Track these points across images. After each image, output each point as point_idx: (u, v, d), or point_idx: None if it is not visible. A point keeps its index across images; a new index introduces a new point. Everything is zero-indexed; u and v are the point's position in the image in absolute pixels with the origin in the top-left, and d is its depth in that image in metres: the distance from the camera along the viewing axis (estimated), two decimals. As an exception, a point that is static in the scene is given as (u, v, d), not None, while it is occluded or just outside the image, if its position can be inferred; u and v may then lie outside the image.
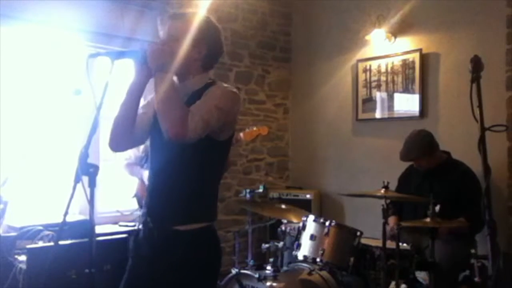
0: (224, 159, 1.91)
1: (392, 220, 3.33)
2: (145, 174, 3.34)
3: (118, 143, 1.87)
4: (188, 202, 1.77)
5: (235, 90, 1.86)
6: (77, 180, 1.49)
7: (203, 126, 1.67)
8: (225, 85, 1.87)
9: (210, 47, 1.83)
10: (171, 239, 1.76)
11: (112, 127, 1.83)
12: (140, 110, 1.86)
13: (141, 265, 1.82)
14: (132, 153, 3.57)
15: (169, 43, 1.76)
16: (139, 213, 3.53)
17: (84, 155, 1.51)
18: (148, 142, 1.95)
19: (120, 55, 1.72)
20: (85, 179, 1.50)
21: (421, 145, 3.26)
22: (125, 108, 1.80)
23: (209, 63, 1.87)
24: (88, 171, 1.49)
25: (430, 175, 3.33)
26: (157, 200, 1.82)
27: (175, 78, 1.78)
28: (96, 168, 1.50)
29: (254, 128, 3.59)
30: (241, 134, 3.49)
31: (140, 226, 1.87)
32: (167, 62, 1.70)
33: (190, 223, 1.77)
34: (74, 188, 1.49)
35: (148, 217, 1.82)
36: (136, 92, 1.80)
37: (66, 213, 1.52)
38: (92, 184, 1.51)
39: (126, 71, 1.99)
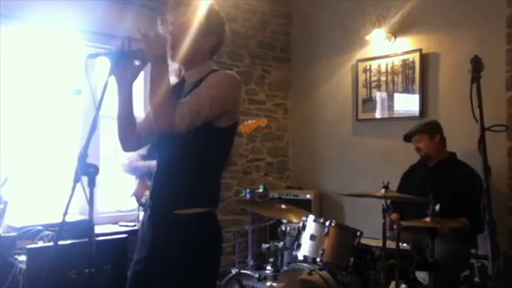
0: (227, 146, 1.92)
1: (394, 215, 3.34)
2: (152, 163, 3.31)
3: (127, 145, 1.93)
4: (188, 187, 1.80)
5: (234, 75, 1.87)
6: (77, 180, 1.49)
7: (191, 117, 1.70)
8: (224, 72, 1.90)
9: (219, 37, 1.89)
10: (171, 223, 1.78)
11: (117, 131, 1.89)
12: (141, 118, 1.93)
13: (143, 258, 1.83)
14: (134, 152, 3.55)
15: (176, 31, 1.83)
16: (138, 212, 3.53)
17: (84, 155, 1.51)
18: None
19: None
20: (85, 179, 1.50)
21: (422, 124, 3.48)
22: (123, 105, 1.86)
23: (215, 51, 1.93)
24: (87, 171, 1.49)
25: (433, 173, 3.33)
26: (159, 185, 1.86)
27: (181, 67, 1.89)
28: (95, 168, 1.50)
29: (253, 121, 3.57)
30: (240, 127, 3.49)
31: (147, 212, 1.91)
32: (164, 53, 1.74)
33: (190, 207, 1.78)
34: (73, 188, 1.49)
35: (150, 201, 1.87)
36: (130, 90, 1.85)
37: (65, 213, 1.52)
38: (92, 184, 1.51)
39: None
